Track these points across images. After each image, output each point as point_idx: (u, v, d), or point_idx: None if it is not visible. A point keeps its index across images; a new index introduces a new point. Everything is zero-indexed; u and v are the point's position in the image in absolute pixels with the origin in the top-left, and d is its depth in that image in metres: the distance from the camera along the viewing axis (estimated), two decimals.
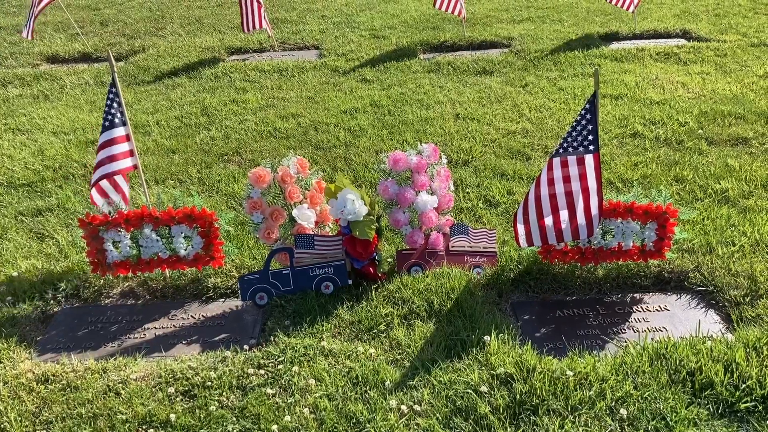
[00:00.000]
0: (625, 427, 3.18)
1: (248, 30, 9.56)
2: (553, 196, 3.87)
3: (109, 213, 4.21)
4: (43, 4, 9.02)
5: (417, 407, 3.32)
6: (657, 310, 4.09)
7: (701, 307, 4.10)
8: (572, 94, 7.58)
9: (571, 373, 3.40)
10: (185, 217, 4.21)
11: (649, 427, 3.15)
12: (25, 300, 4.37)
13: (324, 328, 3.93)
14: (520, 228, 4.00)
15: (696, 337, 3.73)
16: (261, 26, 9.50)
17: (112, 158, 4.22)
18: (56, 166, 6.35)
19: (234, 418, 3.33)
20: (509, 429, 3.19)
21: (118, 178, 4.34)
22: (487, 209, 5.24)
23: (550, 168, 3.83)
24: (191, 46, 10.28)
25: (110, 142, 4.22)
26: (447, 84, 8.16)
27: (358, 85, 8.30)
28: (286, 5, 12.81)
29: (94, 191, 4.26)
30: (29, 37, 9.21)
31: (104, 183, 4.27)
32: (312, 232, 4.40)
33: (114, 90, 4.19)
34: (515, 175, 5.74)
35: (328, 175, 5.85)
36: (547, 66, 8.62)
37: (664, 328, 3.93)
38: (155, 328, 4.14)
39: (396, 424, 3.23)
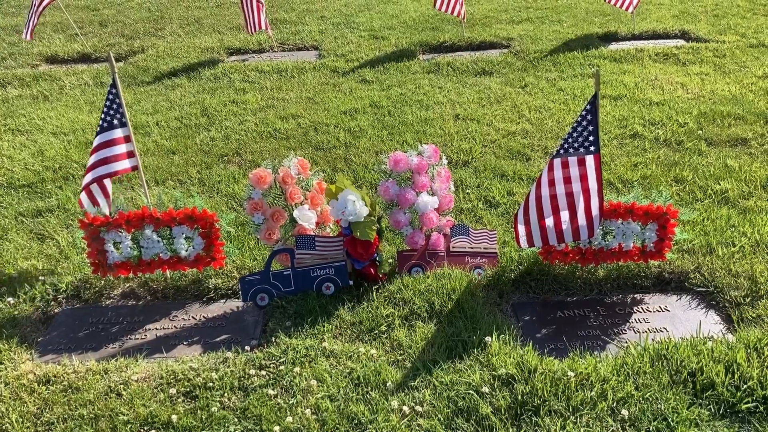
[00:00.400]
0: (627, 427, 3.18)
1: (252, 31, 9.56)
2: (553, 197, 3.87)
3: (110, 214, 4.20)
4: (44, 4, 9.02)
5: (419, 408, 3.33)
6: (657, 310, 4.10)
7: (702, 308, 4.11)
8: (572, 94, 7.59)
9: (572, 374, 3.41)
10: (186, 218, 4.20)
11: (651, 428, 3.16)
12: (25, 301, 4.37)
13: (325, 328, 3.93)
14: (521, 228, 4.01)
15: (697, 337, 3.74)
16: (260, 27, 9.49)
17: (105, 161, 4.20)
18: (56, 166, 6.34)
19: (236, 419, 3.33)
20: (511, 430, 3.20)
21: (107, 181, 4.33)
22: (488, 210, 5.24)
23: (550, 169, 3.83)
24: (190, 46, 10.28)
25: (106, 144, 4.20)
26: (446, 85, 8.17)
27: (357, 85, 8.31)
28: (285, 6, 12.81)
29: (83, 195, 4.24)
30: (28, 38, 9.21)
31: (94, 186, 4.26)
32: (313, 233, 4.40)
33: (114, 91, 4.18)
34: (515, 176, 5.75)
35: (329, 176, 5.85)
36: (546, 67, 8.63)
37: (664, 328, 3.94)
38: (156, 328, 4.14)
39: (398, 425, 3.24)
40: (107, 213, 4.24)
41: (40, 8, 9.01)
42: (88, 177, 4.20)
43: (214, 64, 9.41)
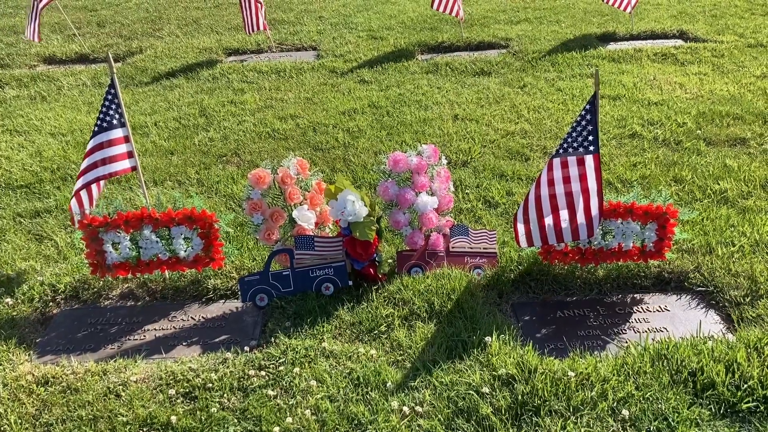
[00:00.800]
0: (627, 427, 3.18)
1: (251, 31, 9.55)
2: (553, 197, 3.87)
3: (109, 214, 4.19)
4: (42, 4, 9.01)
5: (419, 408, 3.32)
6: (657, 310, 4.09)
7: (702, 308, 4.10)
8: (570, 94, 7.59)
9: (572, 374, 3.40)
10: (185, 219, 4.19)
11: (651, 428, 3.15)
12: (24, 302, 4.35)
13: (325, 329, 3.92)
14: (521, 228, 4.00)
15: (697, 337, 3.73)
16: (259, 27, 9.48)
17: (95, 165, 4.18)
18: (54, 167, 6.33)
19: (235, 420, 3.32)
20: (511, 430, 3.19)
21: (94, 186, 4.30)
22: (487, 210, 5.24)
23: (550, 168, 3.83)
24: (189, 47, 10.27)
25: (102, 146, 4.18)
26: (445, 85, 8.16)
27: (356, 86, 8.30)
28: (283, 6, 12.81)
29: (73, 201, 4.21)
30: (36, 39, 9.21)
31: (83, 192, 4.23)
32: (312, 234, 4.39)
33: (113, 91, 4.16)
34: (514, 176, 5.74)
35: (328, 177, 5.84)
36: (545, 67, 8.64)
37: (664, 328, 3.93)
38: (155, 329, 4.13)
39: (398, 426, 3.23)
40: (87, 214, 4.20)
41: (40, 8, 9.01)
42: (79, 183, 4.17)
43: (213, 64, 9.40)
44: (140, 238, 4.21)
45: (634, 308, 4.11)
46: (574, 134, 3.77)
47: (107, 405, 3.43)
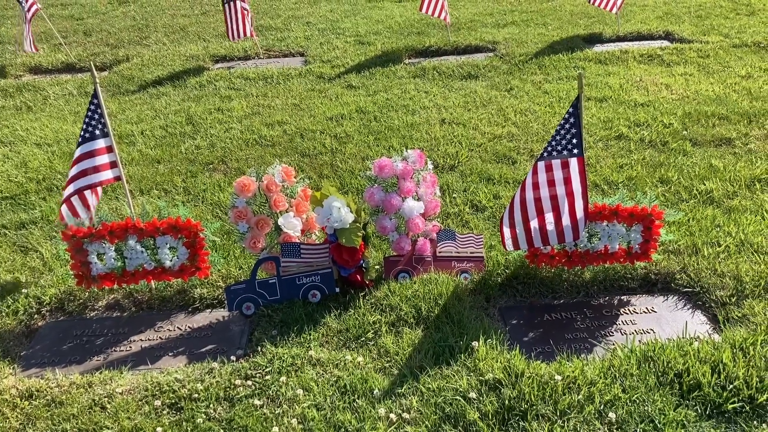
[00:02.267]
0: (614, 430, 3.17)
1: (235, 38, 9.53)
2: (538, 200, 3.87)
3: (94, 225, 4.16)
4: (32, 12, 9.01)
5: (406, 415, 3.31)
6: (644, 311, 4.10)
7: (688, 308, 4.11)
8: (557, 97, 7.61)
9: (559, 378, 3.40)
10: (170, 228, 4.17)
11: (638, 430, 3.15)
12: (8, 314, 4.32)
13: (311, 337, 3.91)
14: (507, 232, 4.01)
15: (683, 338, 3.74)
16: (245, 34, 9.47)
17: (85, 172, 4.16)
18: (40, 178, 6.28)
19: (221, 431, 3.30)
20: None
21: (87, 193, 4.29)
22: (474, 214, 5.24)
23: (534, 172, 3.83)
24: (175, 54, 10.23)
25: (87, 155, 4.17)
26: (432, 89, 8.17)
27: (343, 91, 8.29)
28: (270, 12, 12.80)
29: (64, 207, 4.20)
30: (33, 50, 9.21)
31: (74, 198, 4.22)
32: (298, 241, 4.38)
33: (96, 101, 4.14)
34: (501, 180, 5.75)
35: (315, 183, 5.83)
36: (531, 69, 8.66)
37: (651, 329, 3.94)
38: (141, 340, 4.10)
39: None
40: (88, 225, 4.19)
41: (29, 19, 9.02)
42: (69, 189, 4.16)
43: (200, 71, 9.37)
44: (125, 249, 4.19)
45: (621, 310, 4.12)
46: (558, 137, 3.77)
47: (92, 418, 3.41)
